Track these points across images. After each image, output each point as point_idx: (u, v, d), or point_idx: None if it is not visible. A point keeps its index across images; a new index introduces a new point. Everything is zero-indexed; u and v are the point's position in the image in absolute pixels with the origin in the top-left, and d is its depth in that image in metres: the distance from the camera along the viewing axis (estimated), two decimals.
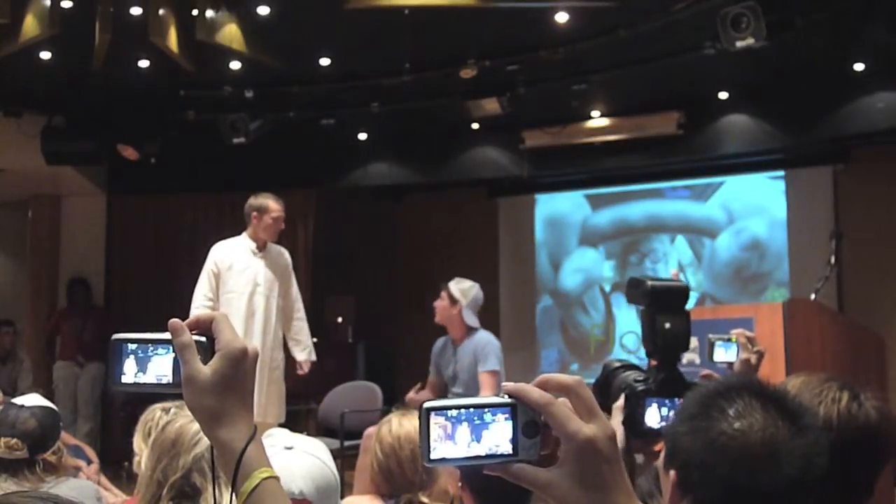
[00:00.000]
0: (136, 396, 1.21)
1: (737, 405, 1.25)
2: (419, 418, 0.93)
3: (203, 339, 1.13)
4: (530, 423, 0.94)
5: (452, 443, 0.93)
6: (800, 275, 7.94)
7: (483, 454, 0.94)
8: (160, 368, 1.13)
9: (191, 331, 1.12)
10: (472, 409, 0.94)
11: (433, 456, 0.93)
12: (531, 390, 0.94)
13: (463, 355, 5.30)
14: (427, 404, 0.93)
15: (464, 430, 0.93)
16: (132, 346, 1.13)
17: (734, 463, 1.21)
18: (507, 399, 0.95)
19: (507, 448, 0.94)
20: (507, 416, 0.94)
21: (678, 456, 1.28)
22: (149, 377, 1.13)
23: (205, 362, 1.11)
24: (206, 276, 5.49)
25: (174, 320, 1.12)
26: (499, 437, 0.94)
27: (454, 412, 0.93)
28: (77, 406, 8.36)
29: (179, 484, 1.93)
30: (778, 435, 1.22)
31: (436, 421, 0.93)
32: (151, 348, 1.14)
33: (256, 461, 1.09)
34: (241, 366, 1.11)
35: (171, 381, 1.13)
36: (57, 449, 2.86)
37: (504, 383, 0.97)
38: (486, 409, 0.94)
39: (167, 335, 1.13)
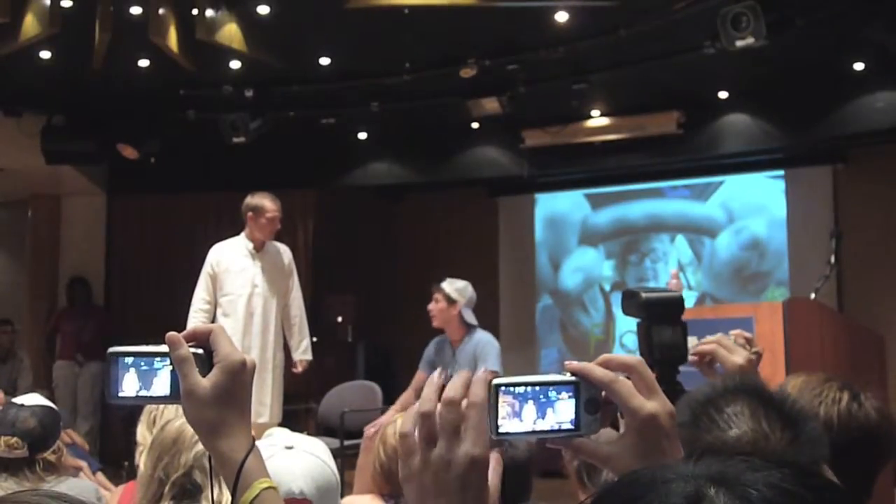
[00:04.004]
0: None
1: (726, 413, 1.22)
2: (489, 394, 0.96)
3: (200, 351, 1.13)
4: (592, 400, 0.99)
5: (519, 420, 0.98)
6: (800, 274, 7.93)
7: (547, 429, 0.99)
8: (158, 381, 1.13)
9: (188, 343, 1.13)
10: (538, 387, 0.99)
11: (501, 430, 0.97)
12: (595, 368, 0.99)
13: (462, 356, 5.27)
14: (496, 381, 0.97)
15: (530, 408, 0.98)
16: (129, 360, 1.13)
17: None
18: (570, 377, 0.99)
19: (569, 423, 0.99)
20: (570, 393, 0.99)
21: None
22: (146, 390, 1.13)
23: (203, 375, 1.12)
24: (204, 278, 5.48)
25: (171, 333, 1.13)
26: (562, 413, 0.99)
27: (521, 389, 0.98)
28: (77, 405, 8.36)
29: (181, 482, 1.94)
30: (769, 445, 1.18)
31: (504, 399, 0.97)
32: (148, 361, 1.13)
33: (256, 472, 1.11)
34: (239, 378, 1.13)
35: (168, 393, 1.13)
36: (57, 448, 2.86)
37: (567, 362, 1.01)
38: (550, 387, 0.99)
39: (164, 348, 1.13)
